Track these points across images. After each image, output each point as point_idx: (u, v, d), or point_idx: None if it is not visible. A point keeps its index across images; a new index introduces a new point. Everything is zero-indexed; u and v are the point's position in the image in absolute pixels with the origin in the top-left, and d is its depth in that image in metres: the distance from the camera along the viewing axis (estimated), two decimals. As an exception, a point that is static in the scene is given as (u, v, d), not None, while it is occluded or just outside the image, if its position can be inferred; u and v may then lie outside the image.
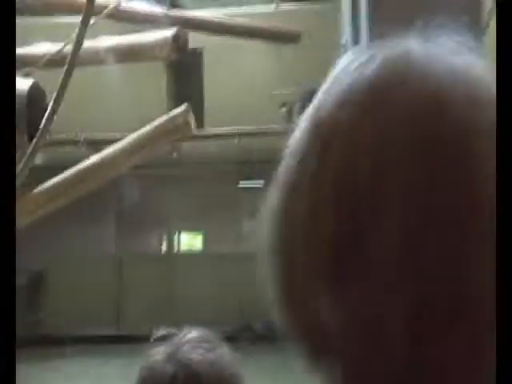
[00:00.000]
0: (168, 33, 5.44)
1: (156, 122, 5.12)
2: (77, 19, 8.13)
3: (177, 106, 7.49)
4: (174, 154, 5.05)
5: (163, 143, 5.01)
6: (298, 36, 8.31)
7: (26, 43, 6.80)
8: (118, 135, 8.48)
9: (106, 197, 9.51)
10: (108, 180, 5.20)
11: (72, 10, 6.85)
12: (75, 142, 8.33)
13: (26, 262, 10.08)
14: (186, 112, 5.03)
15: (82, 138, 8.46)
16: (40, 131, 4.33)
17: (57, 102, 4.30)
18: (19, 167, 4.38)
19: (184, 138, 5.06)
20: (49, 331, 9.79)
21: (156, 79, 9.18)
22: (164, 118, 5.01)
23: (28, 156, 4.37)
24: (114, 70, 8.02)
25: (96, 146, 8.67)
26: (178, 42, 5.40)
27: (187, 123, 4.98)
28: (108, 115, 9.36)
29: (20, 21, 6.97)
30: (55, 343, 9.42)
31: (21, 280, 10.02)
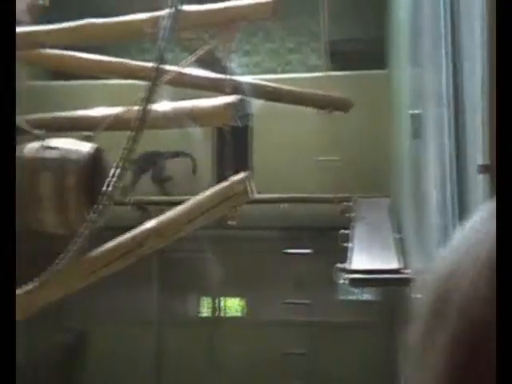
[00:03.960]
0: (229, 99, 5.46)
1: (215, 188, 5.10)
2: (122, 82, 8.26)
3: (223, 169, 7.52)
4: (233, 222, 4.98)
5: (221, 210, 4.97)
6: (349, 104, 8.34)
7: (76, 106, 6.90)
8: (166, 198, 8.55)
9: (151, 258, 9.51)
10: (164, 245, 5.16)
11: (123, 74, 6.98)
12: (124, 203, 8.33)
13: (73, 320, 10.12)
14: (246, 179, 5.01)
15: (131, 200, 8.46)
16: (106, 196, 4.33)
17: (123, 166, 4.29)
18: (82, 231, 4.35)
19: (241, 204, 5.02)
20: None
21: (204, 141, 9.27)
22: (224, 184, 5.00)
23: (91, 220, 4.36)
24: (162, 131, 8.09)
25: (145, 208, 8.71)
26: (239, 108, 5.42)
27: (245, 190, 4.95)
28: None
29: (71, 83, 7.07)
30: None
31: (68, 338, 10.03)
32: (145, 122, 4.08)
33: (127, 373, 9.69)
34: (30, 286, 4.33)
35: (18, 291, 4.31)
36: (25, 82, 10.14)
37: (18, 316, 4.51)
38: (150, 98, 4.44)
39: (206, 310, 10.45)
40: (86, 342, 10.18)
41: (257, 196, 6.13)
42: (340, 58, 9.44)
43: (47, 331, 9.83)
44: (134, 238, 4.79)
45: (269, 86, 7.67)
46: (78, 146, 4.90)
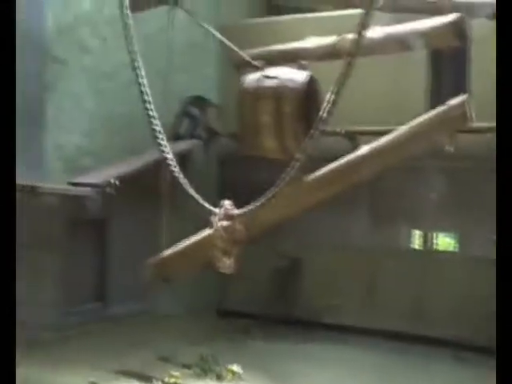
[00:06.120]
0: (447, 19, 5.19)
1: (431, 113, 4.92)
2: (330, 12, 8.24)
3: (438, 98, 7.17)
4: (451, 148, 4.79)
5: (438, 135, 4.79)
6: None
7: (292, 39, 7.03)
8: (377, 128, 8.42)
9: (361, 187, 9.48)
10: (379, 172, 5.13)
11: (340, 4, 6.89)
12: (335, 134, 8.31)
13: (288, 248, 10.57)
14: (463, 103, 4.78)
15: (343, 131, 8.40)
16: (318, 121, 4.39)
17: (337, 92, 4.30)
18: (298, 156, 4.46)
19: (460, 130, 4.79)
20: (302, 315, 10.13)
21: (416, 69, 8.89)
22: (440, 108, 4.80)
23: (307, 146, 4.45)
24: (368, 61, 7.88)
25: (354, 138, 8.63)
26: (460, 28, 5.13)
27: (464, 115, 4.72)
28: (364, 107, 9.28)
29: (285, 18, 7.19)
30: (307, 327, 9.72)
31: (283, 264, 10.54)
32: (360, 47, 4.02)
33: (337, 296, 9.92)
34: (250, 208, 4.56)
35: (239, 211, 4.54)
36: (244, 19, 10.53)
37: (241, 237, 4.77)
38: (364, 24, 4.36)
39: (417, 242, 10.25)
40: (300, 268, 10.57)
41: (475, 124, 5.81)
42: None
43: (264, 256, 10.33)
44: (348, 164, 4.80)
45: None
46: (294, 75, 5.00)
